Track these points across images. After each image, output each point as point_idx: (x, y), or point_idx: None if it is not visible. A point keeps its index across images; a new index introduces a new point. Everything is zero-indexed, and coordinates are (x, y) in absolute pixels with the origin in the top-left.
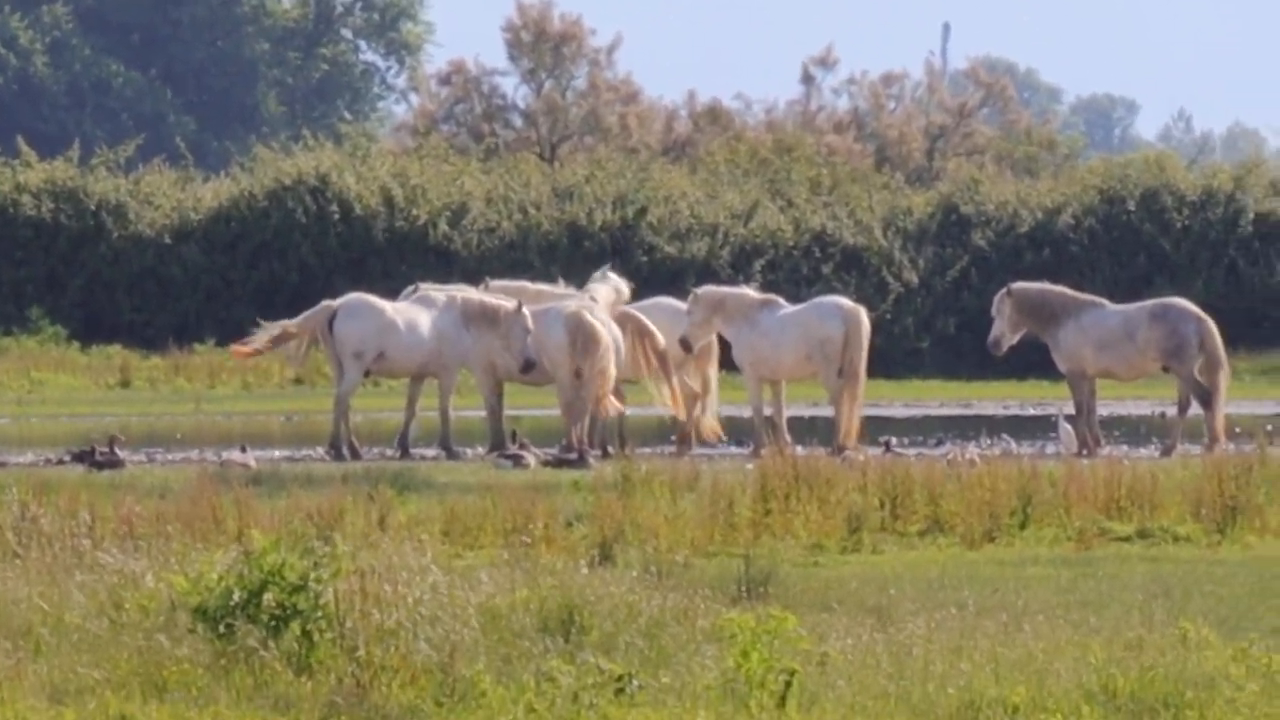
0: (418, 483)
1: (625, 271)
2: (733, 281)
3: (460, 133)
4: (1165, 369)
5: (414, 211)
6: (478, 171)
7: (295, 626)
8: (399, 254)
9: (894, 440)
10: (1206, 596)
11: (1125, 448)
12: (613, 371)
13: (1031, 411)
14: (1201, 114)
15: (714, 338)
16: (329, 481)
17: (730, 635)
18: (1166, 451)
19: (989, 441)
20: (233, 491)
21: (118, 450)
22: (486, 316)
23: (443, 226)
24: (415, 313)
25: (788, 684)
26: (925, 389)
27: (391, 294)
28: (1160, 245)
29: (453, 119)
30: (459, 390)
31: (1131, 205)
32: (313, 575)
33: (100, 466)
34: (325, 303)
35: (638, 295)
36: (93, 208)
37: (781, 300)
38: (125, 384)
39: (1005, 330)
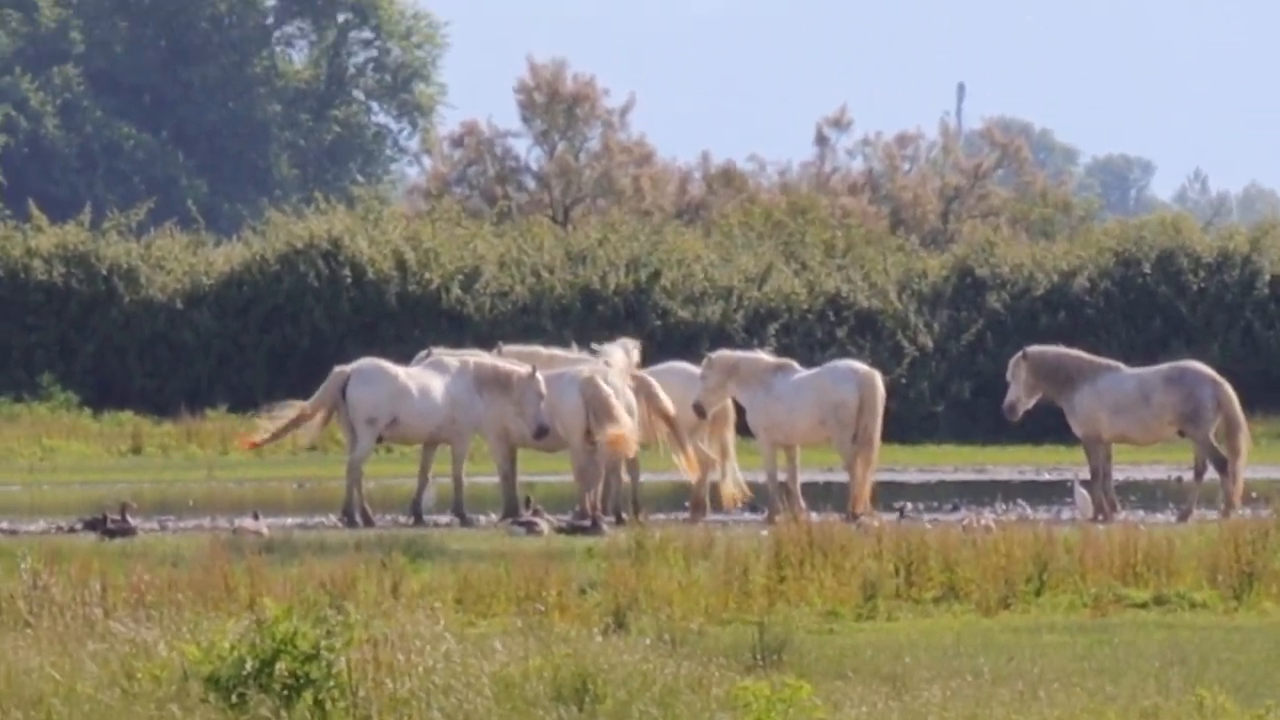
0: (431, 550)
1: (639, 336)
2: (747, 345)
3: (473, 195)
4: (1181, 433)
5: (427, 275)
6: (490, 234)
7: (308, 696)
8: (412, 318)
9: (909, 506)
10: (1223, 663)
11: (1141, 513)
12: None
13: (1047, 477)
14: (1218, 175)
15: (729, 402)
16: (342, 549)
17: (745, 704)
18: (1183, 517)
19: (1004, 507)
20: (245, 559)
21: (129, 518)
22: (500, 382)
23: (455, 290)
24: (428, 378)
25: None
26: (940, 454)
27: (404, 359)
28: (1176, 308)
29: (465, 181)
30: (472, 456)
31: (1147, 267)
32: (325, 644)
33: (112, 534)
34: (338, 368)
35: (651, 359)
36: (104, 272)
37: (796, 364)
38: (137, 450)
39: (1021, 394)
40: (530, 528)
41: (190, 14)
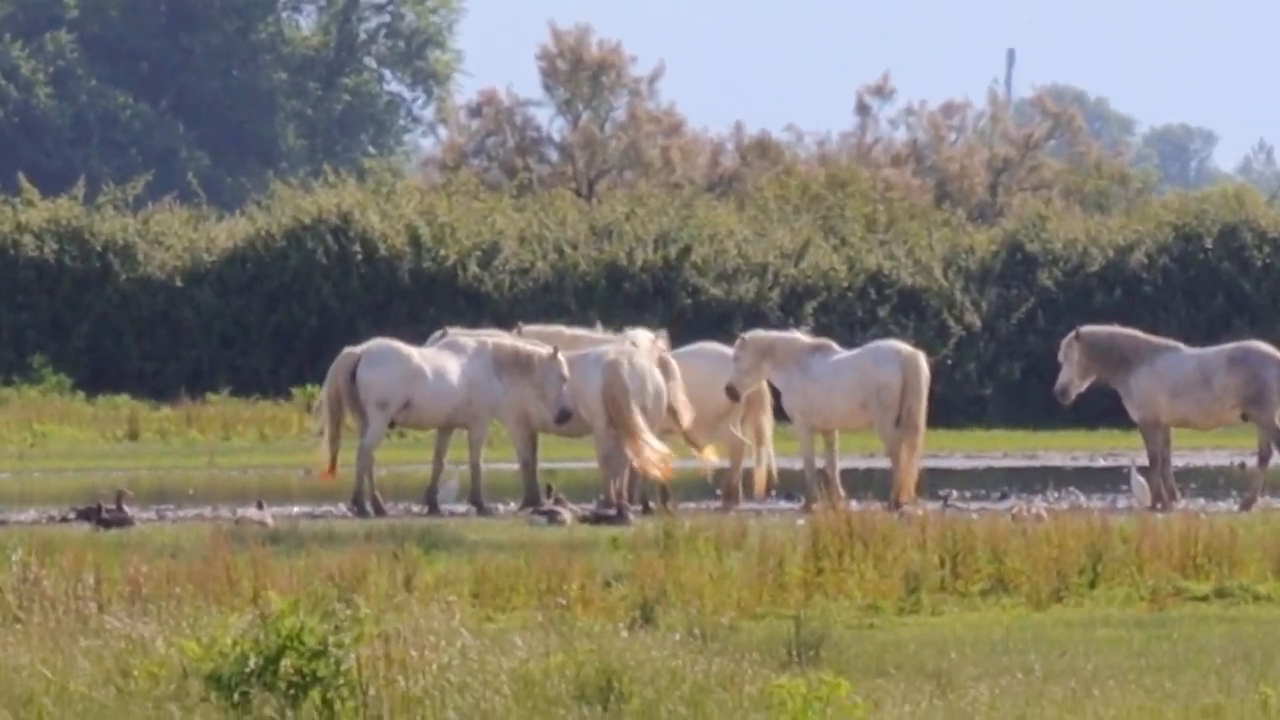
0: (446, 540)
1: (668, 315)
2: (783, 325)
3: (491, 167)
4: (1244, 417)
5: (442, 252)
6: (510, 209)
7: (315, 695)
8: (426, 297)
9: (954, 494)
10: None
11: (1202, 501)
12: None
13: (1102, 463)
14: None
15: (765, 385)
16: (351, 539)
17: (780, 702)
18: (1246, 505)
19: (1056, 495)
20: (248, 551)
21: (126, 507)
22: (519, 363)
23: (473, 268)
24: (443, 359)
25: None
26: (988, 439)
27: (418, 339)
28: (1240, 285)
29: (483, 153)
30: (490, 442)
31: (1209, 243)
32: (334, 640)
33: (107, 524)
34: (348, 350)
35: (682, 339)
36: (99, 249)
37: (835, 345)
38: (134, 436)
39: (1074, 376)
40: (552, 517)
41: None
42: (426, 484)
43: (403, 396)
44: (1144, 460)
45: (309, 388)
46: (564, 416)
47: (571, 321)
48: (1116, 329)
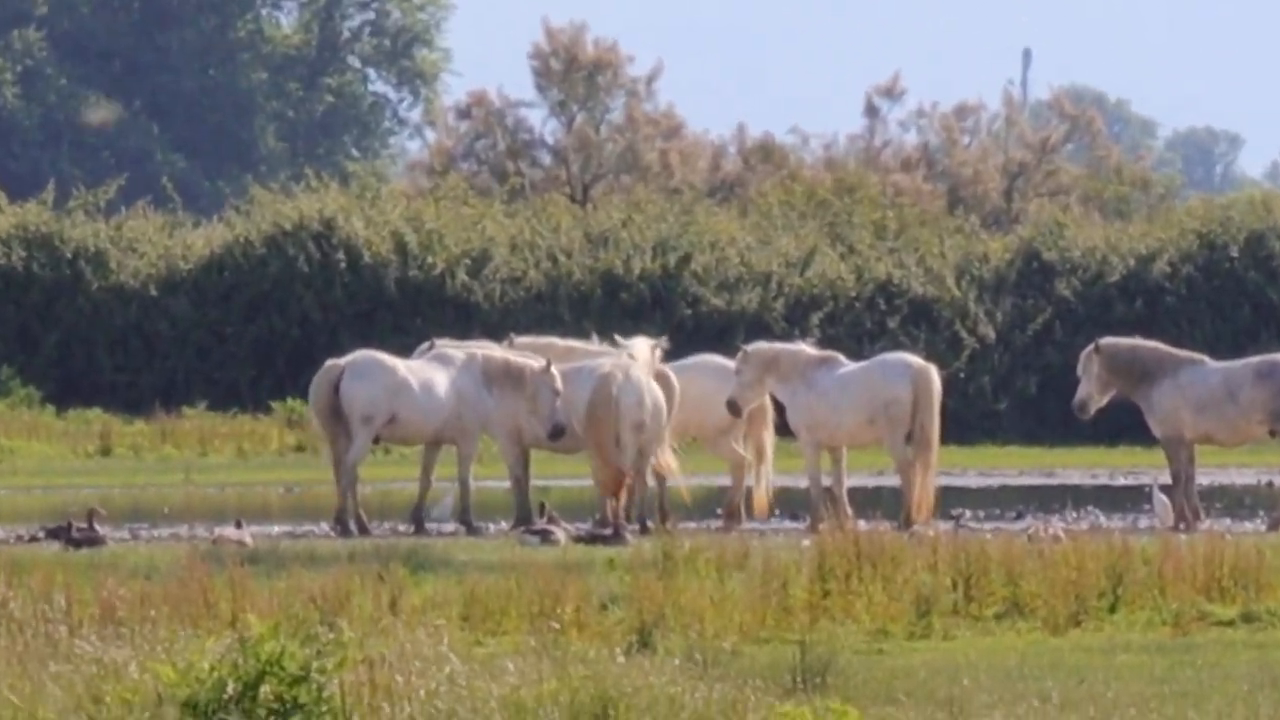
0: (434, 561)
1: (668, 326)
2: (787, 337)
3: (481, 171)
4: (1272, 433)
5: (430, 260)
6: (501, 215)
7: None
8: (413, 307)
9: (967, 513)
10: None
11: (1228, 521)
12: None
13: (1122, 481)
14: None
15: (767, 400)
16: (334, 560)
17: None
18: (1274, 525)
19: (1074, 514)
20: (226, 571)
21: (97, 526)
22: (511, 376)
23: (462, 276)
24: (431, 372)
25: None
26: (1003, 456)
27: (404, 351)
28: (1267, 295)
29: (473, 156)
30: (480, 458)
31: (1235, 251)
32: (316, 665)
33: (78, 544)
34: (331, 361)
35: (681, 351)
36: (70, 256)
37: (842, 358)
38: (106, 452)
39: (1093, 391)
40: (545, 537)
41: None
42: (413, 502)
43: (388, 411)
44: (1166, 478)
45: (289, 401)
46: (557, 432)
47: (565, 333)
48: (1138, 341)
